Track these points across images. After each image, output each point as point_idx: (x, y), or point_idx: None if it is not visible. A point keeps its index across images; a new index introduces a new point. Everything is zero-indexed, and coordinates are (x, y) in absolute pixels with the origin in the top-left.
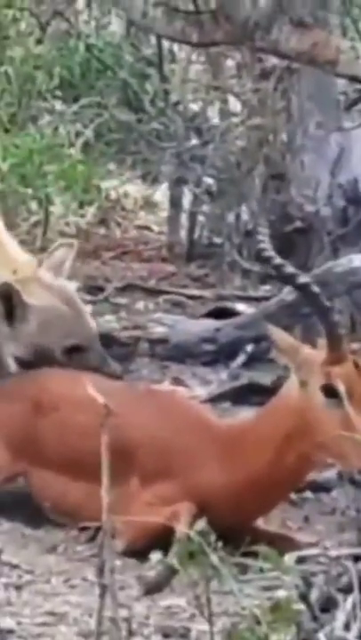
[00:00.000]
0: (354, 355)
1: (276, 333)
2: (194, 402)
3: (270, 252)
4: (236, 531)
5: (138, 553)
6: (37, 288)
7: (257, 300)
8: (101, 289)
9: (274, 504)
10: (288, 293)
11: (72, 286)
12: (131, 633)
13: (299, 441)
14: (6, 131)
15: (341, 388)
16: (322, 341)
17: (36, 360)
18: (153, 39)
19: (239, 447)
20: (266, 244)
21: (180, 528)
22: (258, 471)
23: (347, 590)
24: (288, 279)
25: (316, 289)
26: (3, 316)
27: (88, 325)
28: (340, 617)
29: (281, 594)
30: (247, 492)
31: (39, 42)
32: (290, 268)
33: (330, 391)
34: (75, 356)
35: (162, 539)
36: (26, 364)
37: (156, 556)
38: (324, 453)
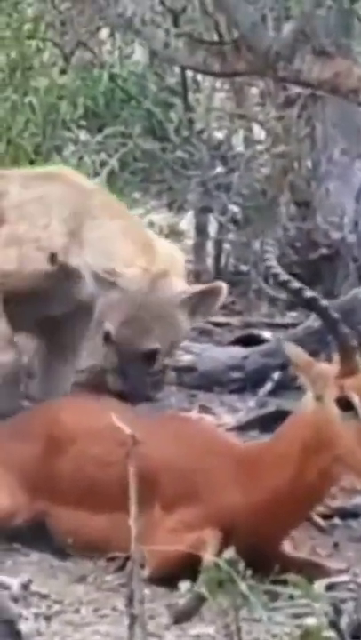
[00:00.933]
0: None
1: (291, 349)
2: (215, 427)
3: (278, 269)
4: (264, 556)
5: (164, 580)
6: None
7: (284, 327)
8: None
9: (296, 523)
10: (314, 320)
11: (177, 315)
12: None
13: (317, 455)
14: (31, 162)
15: (356, 399)
16: (336, 356)
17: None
18: (177, 68)
19: (259, 468)
20: (273, 262)
21: (208, 556)
22: (279, 489)
23: None
24: (296, 294)
25: (324, 303)
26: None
27: (138, 338)
28: None
29: (311, 621)
30: (269, 511)
31: (63, 72)
32: (296, 284)
33: (345, 404)
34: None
35: (188, 565)
36: None
37: (184, 585)
38: (342, 466)
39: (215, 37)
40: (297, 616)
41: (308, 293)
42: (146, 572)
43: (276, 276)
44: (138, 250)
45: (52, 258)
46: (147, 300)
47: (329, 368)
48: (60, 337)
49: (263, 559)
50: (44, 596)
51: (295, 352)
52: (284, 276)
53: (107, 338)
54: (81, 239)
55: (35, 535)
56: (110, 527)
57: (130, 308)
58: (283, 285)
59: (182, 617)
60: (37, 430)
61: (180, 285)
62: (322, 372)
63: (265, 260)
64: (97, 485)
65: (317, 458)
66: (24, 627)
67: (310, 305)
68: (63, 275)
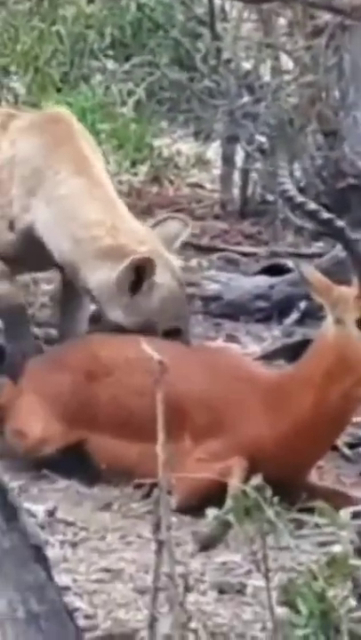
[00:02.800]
0: None
1: (310, 272)
2: (241, 356)
3: (291, 190)
4: (291, 485)
5: (191, 509)
6: (160, 264)
7: (310, 256)
8: None
9: (323, 451)
10: (341, 250)
11: (180, 264)
12: (187, 589)
13: (340, 378)
14: (58, 90)
15: None
16: (355, 279)
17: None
18: None
19: (284, 395)
20: (288, 185)
21: (234, 483)
22: (303, 415)
23: None
24: (312, 216)
25: (340, 223)
26: (129, 287)
27: (188, 309)
28: None
29: (337, 549)
30: (295, 439)
31: (91, 1)
32: (312, 205)
33: None
34: (168, 336)
35: (215, 495)
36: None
37: (211, 512)
38: None
39: None
40: (323, 544)
41: (325, 215)
42: (174, 502)
43: (290, 198)
44: (104, 212)
45: (11, 225)
46: (179, 281)
47: (349, 291)
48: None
49: (290, 488)
50: (70, 524)
51: (314, 275)
52: (299, 198)
53: (170, 332)
54: (44, 197)
55: (63, 462)
56: (142, 456)
57: (179, 298)
58: (299, 207)
59: (208, 544)
60: (74, 362)
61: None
62: (341, 294)
63: (280, 185)
64: (131, 414)
65: (340, 381)
66: (50, 553)
67: (326, 225)
68: (26, 240)
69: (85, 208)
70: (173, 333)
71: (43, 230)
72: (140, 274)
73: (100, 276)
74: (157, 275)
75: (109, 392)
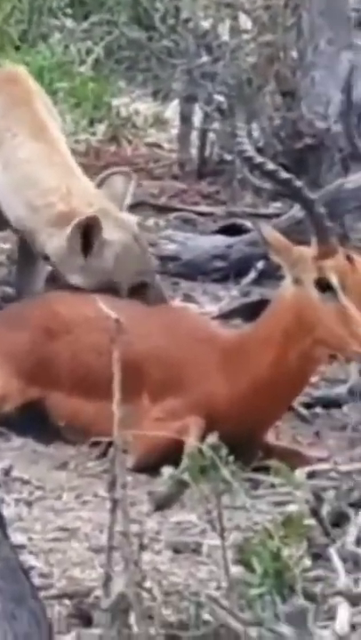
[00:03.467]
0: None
1: (268, 232)
2: (200, 316)
3: (249, 151)
4: (247, 445)
5: (148, 469)
6: (111, 223)
7: (268, 217)
8: None
9: (281, 409)
10: (299, 210)
11: (135, 220)
12: (142, 548)
13: (298, 338)
14: (17, 48)
15: (334, 280)
16: (313, 239)
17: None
18: None
19: (242, 355)
20: (246, 145)
21: (191, 442)
22: (261, 375)
23: (358, 505)
24: (271, 176)
25: (298, 183)
26: (80, 249)
27: (151, 262)
28: (352, 532)
29: (292, 508)
30: (253, 398)
31: None
32: (271, 165)
33: (323, 285)
34: (137, 292)
35: (172, 454)
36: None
37: (167, 471)
38: (324, 347)
39: None
40: (278, 504)
41: (284, 175)
42: (130, 461)
43: (249, 158)
44: (60, 178)
45: None
46: (135, 236)
47: (307, 250)
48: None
49: (246, 448)
50: (26, 482)
51: (273, 235)
52: (258, 159)
53: (137, 288)
54: (1, 159)
55: (20, 420)
56: (99, 413)
57: (139, 254)
58: (256, 167)
59: (164, 503)
60: (33, 321)
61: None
62: (300, 254)
63: (239, 145)
64: (89, 372)
65: (299, 341)
66: (5, 512)
67: (285, 185)
68: None
69: (43, 174)
70: (140, 289)
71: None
72: (88, 235)
73: (55, 243)
74: (108, 233)
75: (68, 350)
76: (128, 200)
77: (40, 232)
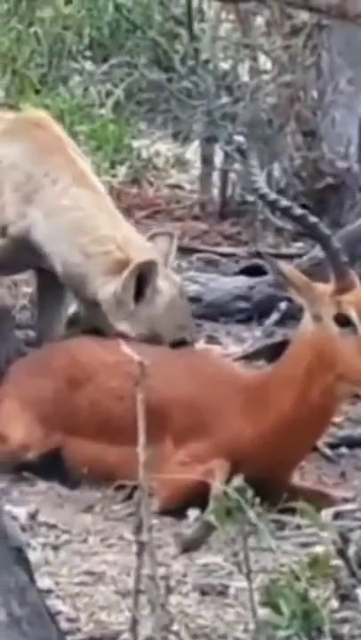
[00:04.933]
0: None
1: (288, 270)
2: (223, 359)
3: (263, 188)
4: (272, 487)
5: (174, 512)
6: (162, 275)
7: (290, 257)
8: None
9: (306, 449)
10: (320, 250)
11: (178, 279)
12: (169, 591)
13: (320, 375)
14: (37, 92)
15: (353, 314)
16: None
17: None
18: None
19: (265, 395)
20: (260, 182)
21: (216, 485)
22: (285, 415)
23: None
24: (285, 212)
25: (313, 219)
26: (133, 293)
27: (191, 321)
28: None
29: (318, 550)
30: (277, 438)
31: (68, 2)
32: (285, 202)
33: (343, 320)
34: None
35: (197, 497)
36: None
37: (193, 513)
38: (346, 383)
39: None
40: (305, 545)
41: (298, 211)
42: (156, 504)
43: (263, 196)
44: (112, 226)
45: (2, 231)
46: (180, 291)
47: (325, 287)
48: (51, 280)
49: (271, 489)
50: (52, 526)
51: (293, 273)
52: (272, 196)
53: (177, 344)
54: (42, 206)
55: (44, 465)
56: (122, 459)
57: (183, 309)
58: (272, 204)
59: (190, 546)
60: (55, 368)
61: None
62: (319, 290)
63: (253, 183)
64: (112, 418)
65: (320, 378)
66: (32, 556)
67: (300, 222)
68: (19, 246)
69: (95, 221)
70: (180, 346)
71: (44, 241)
72: (142, 282)
73: (108, 289)
74: (160, 284)
75: (90, 397)
76: (172, 258)
77: (94, 279)
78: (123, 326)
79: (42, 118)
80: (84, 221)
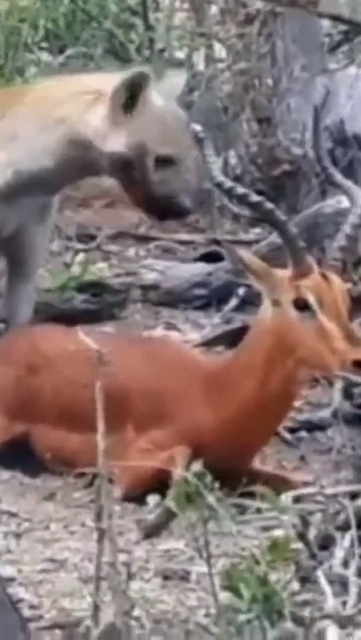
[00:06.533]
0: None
1: (247, 256)
2: (183, 345)
3: (219, 176)
4: (233, 472)
5: (136, 498)
6: (155, 96)
7: (247, 243)
8: (93, 237)
9: (267, 434)
10: (278, 236)
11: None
12: (130, 577)
13: (280, 361)
14: None
15: (311, 298)
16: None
17: (123, 165)
18: None
19: (226, 381)
20: (215, 171)
21: (177, 471)
22: (246, 401)
23: (344, 528)
24: (242, 200)
25: (270, 205)
26: (122, 104)
27: (188, 145)
28: (339, 554)
29: (279, 533)
30: (239, 425)
31: None
32: (241, 189)
33: (301, 305)
34: (163, 170)
35: (158, 484)
36: None
37: (153, 500)
38: (306, 367)
39: None
40: (265, 529)
41: (254, 198)
42: (118, 491)
43: (219, 184)
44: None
45: None
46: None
47: (283, 272)
48: (19, 256)
49: (232, 474)
50: (14, 514)
51: (252, 259)
52: (228, 184)
53: (163, 162)
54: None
55: (5, 454)
56: (83, 445)
57: (176, 126)
58: (227, 192)
59: (151, 532)
60: (15, 356)
61: None
62: (277, 276)
63: (208, 170)
64: (72, 405)
65: (281, 363)
66: None
67: (257, 208)
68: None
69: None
70: (166, 164)
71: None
72: (134, 94)
73: (97, 113)
74: (155, 98)
75: (51, 384)
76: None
77: (81, 115)
78: (111, 144)
79: None
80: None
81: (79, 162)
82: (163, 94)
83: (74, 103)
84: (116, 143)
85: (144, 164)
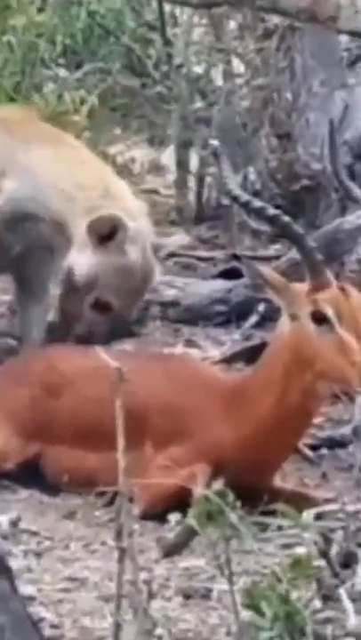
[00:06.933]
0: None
1: (267, 271)
2: (201, 362)
3: (235, 190)
4: (254, 489)
5: (156, 516)
6: (133, 237)
7: (267, 259)
8: None
9: (287, 450)
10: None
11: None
12: (151, 595)
13: (299, 375)
14: (11, 100)
15: (330, 311)
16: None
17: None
18: (154, 3)
19: (245, 398)
20: (232, 185)
21: (198, 489)
22: (265, 416)
23: None
24: (259, 213)
25: (286, 219)
26: (96, 242)
27: (135, 305)
28: None
29: (301, 551)
30: (258, 441)
31: (41, 10)
32: (258, 203)
33: (319, 318)
34: (96, 312)
35: (178, 501)
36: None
37: (174, 518)
38: (325, 381)
39: None
40: (287, 546)
41: (271, 211)
42: (137, 509)
43: (235, 198)
44: (97, 177)
45: None
46: (144, 268)
47: (301, 286)
48: (28, 276)
49: (253, 491)
50: (34, 533)
51: (271, 274)
52: (244, 197)
53: (102, 307)
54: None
55: (25, 473)
56: (102, 465)
57: (132, 280)
58: (245, 205)
59: (172, 550)
60: (32, 376)
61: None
62: (295, 290)
63: (224, 185)
64: (90, 424)
65: (300, 377)
66: (14, 564)
67: (274, 222)
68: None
69: (77, 171)
70: (100, 308)
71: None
72: (113, 234)
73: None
74: (129, 247)
75: (68, 404)
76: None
77: (73, 219)
78: (73, 259)
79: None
80: (66, 170)
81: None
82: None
83: (84, 192)
84: (76, 261)
85: (83, 296)
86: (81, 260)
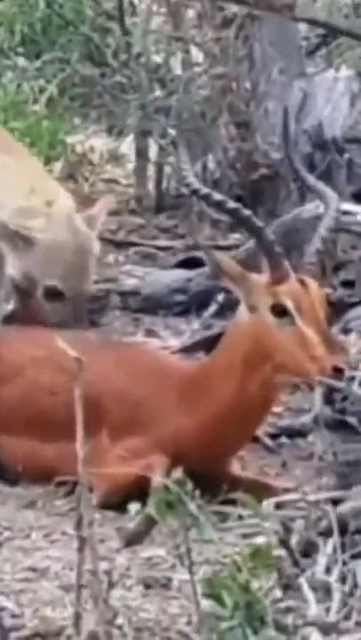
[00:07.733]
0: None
1: (224, 261)
2: (158, 350)
3: (195, 183)
4: (213, 478)
5: (114, 506)
6: (61, 224)
7: (227, 248)
8: None
9: (245, 439)
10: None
11: (96, 245)
12: (112, 585)
13: (258, 366)
14: None
15: (289, 304)
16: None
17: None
18: None
19: (202, 387)
20: (191, 177)
21: (156, 478)
22: (223, 406)
23: (327, 534)
24: (218, 206)
25: (247, 212)
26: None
27: (82, 281)
28: (321, 561)
29: (261, 540)
30: (216, 430)
31: None
32: (218, 196)
33: (279, 310)
34: (53, 301)
35: (136, 491)
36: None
37: (134, 507)
38: (283, 373)
39: None
40: (247, 536)
41: (231, 205)
42: (95, 498)
43: (195, 191)
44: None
45: None
46: (76, 243)
47: (260, 277)
48: None
49: (212, 480)
50: None
51: (229, 264)
52: (204, 190)
53: (53, 294)
54: None
55: None
56: (57, 454)
57: (69, 259)
58: (204, 198)
59: (133, 540)
60: None
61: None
62: (254, 281)
63: (183, 178)
64: (44, 413)
65: (259, 368)
66: None
67: (233, 215)
68: None
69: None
70: (53, 296)
71: None
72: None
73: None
74: (48, 232)
75: (18, 393)
76: (101, 220)
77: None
78: (10, 267)
79: None
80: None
81: None
82: (89, 219)
83: (36, 197)
84: (14, 273)
85: (34, 293)
86: (14, 265)
